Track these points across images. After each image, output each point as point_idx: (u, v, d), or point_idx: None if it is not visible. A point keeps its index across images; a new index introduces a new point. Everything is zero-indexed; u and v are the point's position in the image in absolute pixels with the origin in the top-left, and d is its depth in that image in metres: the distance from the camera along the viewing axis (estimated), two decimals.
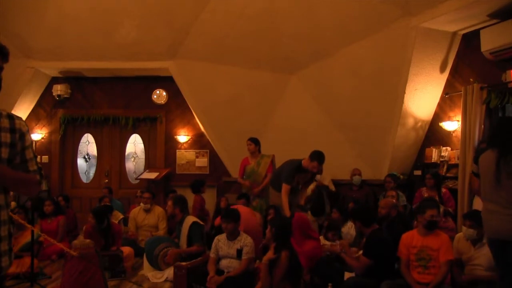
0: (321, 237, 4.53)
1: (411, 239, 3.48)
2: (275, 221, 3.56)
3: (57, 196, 6.68)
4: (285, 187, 4.91)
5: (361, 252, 3.78)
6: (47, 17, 5.90)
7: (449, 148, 5.34)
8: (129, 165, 7.99)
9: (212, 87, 6.89)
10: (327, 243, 4.49)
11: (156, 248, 4.54)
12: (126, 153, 7.97)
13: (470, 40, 5.01)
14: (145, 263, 4.65)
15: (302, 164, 4.95)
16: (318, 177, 6.26)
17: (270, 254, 3.48)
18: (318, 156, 4.83)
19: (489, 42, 4.52)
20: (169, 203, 4.77)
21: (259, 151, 5.76)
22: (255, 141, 5.71)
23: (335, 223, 4.68)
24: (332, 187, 6.28)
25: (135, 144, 7.98)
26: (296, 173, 4.97)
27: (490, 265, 3.30)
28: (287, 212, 4.72)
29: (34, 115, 7.74)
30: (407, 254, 3.45)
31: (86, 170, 8.03)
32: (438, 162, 5.40)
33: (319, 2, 5.11)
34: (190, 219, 4.62)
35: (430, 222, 3.39)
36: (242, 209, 4.51)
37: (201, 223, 4.77)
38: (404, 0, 4.69)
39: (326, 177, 6.37)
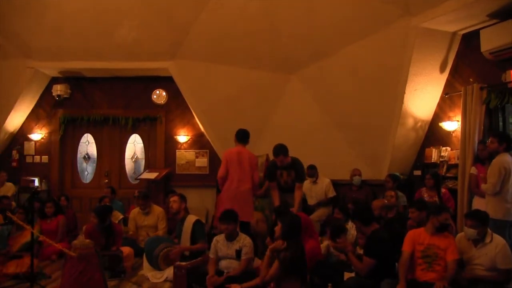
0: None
1: (419, 236, 3.48)
2: (285, 219, 3.55)
3: (58, 196, 6.69)
4: (269, 185, 5.06)
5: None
6: (47, 17, 5.91)
7: (449, 148, 5.33)
8: (129, 165, 7.99)
9: (212, 87, 6.90)
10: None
11: (156, 248, 4.54)
12: (128, 156, 7.97)
13: (470, 40, 5.01)
14: (145, 263, 4.66)
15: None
16: (324, 183, 6.29)
17: (277, 244, 3.44)
18: (273, 149, 4.84)
19: (489, 42, 4.52)
20: (176, 198, 4.72)
21: None
22: None
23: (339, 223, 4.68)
24: (332, 193, 6.29)
25: (135, 144, 7.98)
26: (275, 170, 4.97)
27: (491, 265, 3.31)
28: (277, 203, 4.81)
29: (34, 115, 7.75)
30: (412, 250, 3.45)
31: (86, 171, 8.04)
32: (438, 162, 5.39)
33: (319, 2, 5.12)
34: (192, 218, 4.63)
35: (443, 224, 3.41)
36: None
37: (203, 221, 4.79)
38: (404, 0, 4.69)
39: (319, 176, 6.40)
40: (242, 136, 4.98)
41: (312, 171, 6.24)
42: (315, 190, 6.28)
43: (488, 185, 4.12)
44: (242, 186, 4.78)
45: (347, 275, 3.77)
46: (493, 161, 4.12)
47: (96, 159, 7.97)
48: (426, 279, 3.33)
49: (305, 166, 6.28)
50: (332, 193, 6.24)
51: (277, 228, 3.52)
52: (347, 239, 4.09)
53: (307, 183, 6.37)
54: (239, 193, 4.75)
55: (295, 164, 4.94)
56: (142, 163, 7.92)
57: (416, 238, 3.48)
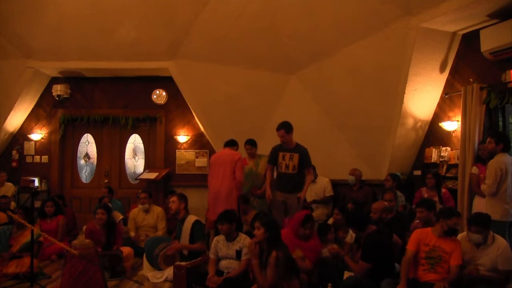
0: None
1: (425, 236, 3.46)
2: (264, 221, 3.47)
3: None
4: (267, 167, 5.09)
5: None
6: (47, 17, 5.90)
7: (448, 148, 5.34)
8: (129, 165, 7.99)
9: (212, 87, 6.90)
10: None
11: (156, 248, 4.54)
12: (128, 156, 7.97)
13: (470, 40, 5.01)
14: (145, 263, 4.65)
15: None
16: (323, 182, 6.27)
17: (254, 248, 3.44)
18: (278, 125, 4.87)
19: (489, 42, 4.52)
20: (174, 198, 4.71)
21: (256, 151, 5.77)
22: (254, 144, 5.70)
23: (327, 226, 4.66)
24: (329, 192, 6.27)
25: (135, 144, 7.98)
26: (277, 151, 4.92)
27: (492, 265, 3.30)
28: (268, 190, 4.84)
29: (34, 115, 7.75)
30: (416, 249, 3.44)
31: (86, 171, 8.04)
32: (438, 162, 5.39)
33: (319, 2, 5.11)
34: (192, 218, 4.63)
35: (452, 229, 3.38)
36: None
37: (203, 222, 4.79)
38: (404, 0, 4.69)
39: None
40: (227, 143, 5.33)
41: None
42: (314, 189, 6.28)
43: (484, 186, 4.13)
44: (218, 184, 4.90)
45: (347, 275, 3.77)
46: (490, 162, 4.12)
47: (96, 159, 7.97)
48: (427, 280, 3.33)
49: None
50: (329, 192, 6.24)
51: (259, 233, 3.42)
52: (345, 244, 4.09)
53: None
54: (216, 192, 4.90)
55: (299, 148, 4.86)
56: (142, 163, 7.92)
57: (423, 238, 3.46)
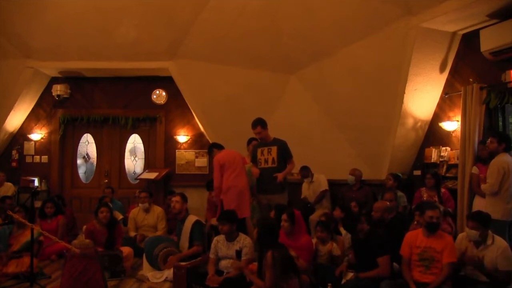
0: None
1: (415, 239, 3.47)
2: (260, 222, 3.53)
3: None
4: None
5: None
6: (47, 16, 5.90)
7: (448, 148, 5.34)
8: (129, 165, 7.99)
9: (212, 87, 6.90)
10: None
11: (156, 248, 4.54)
12: (127, 153, 7.98)
13: (470, 40, 5.01)
14: (145, 263, 4.65)
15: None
16: (320, 180, 6.26)
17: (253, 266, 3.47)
18: (253, 122, 4.85)
19: (488, 42, 4.52)
20: (178, 198, 4.71)
21: None
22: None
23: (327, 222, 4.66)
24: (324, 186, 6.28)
25: (134, 144, 7.98)
26: (256, 148, 4.93)
27: (492, 266, 3.29)
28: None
29: (34, 115, 7.75)
30: (410, 253, 3.45)
31: (86, 171, 8.04)
32: (438, 162, 5.39)
33: (319, 1, 5.12)
34: (193, 218, 4.64)
35: (429, 223, 3.37)
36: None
37: (203, 222, 4.79)
38: (404, 0, 4.69)
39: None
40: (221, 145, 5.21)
41: (306, 172, 6.25)
42: (313, 189, 6.29)
43: (486, 185, 4.13)
44: (239, 183, 4.81)
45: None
46: (492, 162, 4.13)
47: (96, 159, 7.97)
48: (425, 281, 3.31)
49: (301, 166, 6.30)
50: (324, 187, 6.23)
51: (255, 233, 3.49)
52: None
53: (304, 184, 6.39)
54: (241, 190, 4.79)
55: (278, 141, 4.84)
56: (142, 163, 7.92)
57: (413, 241, 3.47)
